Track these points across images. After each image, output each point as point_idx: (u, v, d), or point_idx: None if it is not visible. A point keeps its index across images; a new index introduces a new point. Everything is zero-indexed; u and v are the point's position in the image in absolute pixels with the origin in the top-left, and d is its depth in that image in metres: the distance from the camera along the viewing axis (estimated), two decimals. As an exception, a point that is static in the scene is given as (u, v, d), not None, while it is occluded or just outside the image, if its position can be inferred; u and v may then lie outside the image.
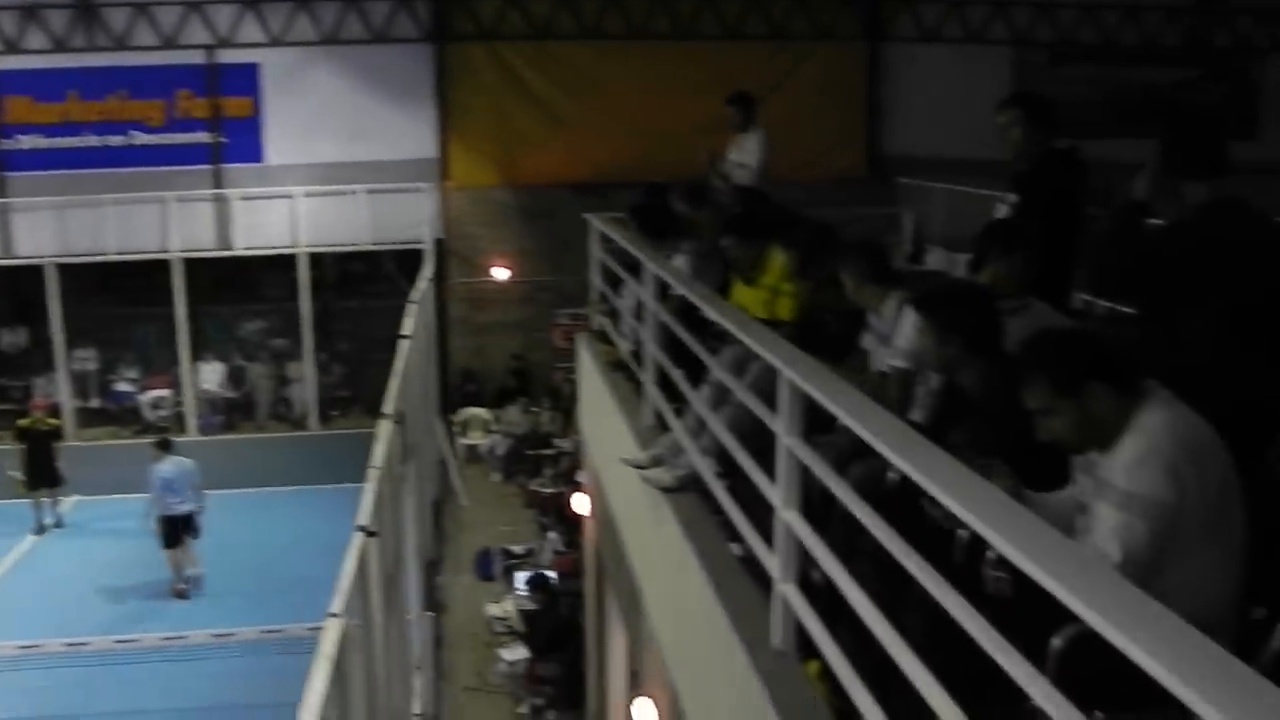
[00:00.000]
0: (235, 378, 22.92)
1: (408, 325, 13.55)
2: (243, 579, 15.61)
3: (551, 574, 13.97)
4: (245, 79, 20.83)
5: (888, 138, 21.11)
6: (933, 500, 3.31)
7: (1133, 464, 3.48)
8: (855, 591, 3.78)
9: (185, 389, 22.30)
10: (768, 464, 4.62)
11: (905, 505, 3.83)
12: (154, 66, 20.55)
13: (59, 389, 22.29)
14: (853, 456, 4.66)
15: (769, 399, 4.62)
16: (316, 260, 21.56)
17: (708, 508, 5.91)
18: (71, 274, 21.71)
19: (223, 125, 21.06)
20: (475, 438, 20.43)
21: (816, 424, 4.59)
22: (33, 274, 21.55)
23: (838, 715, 4.13)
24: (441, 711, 12.38)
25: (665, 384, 6.94)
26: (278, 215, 21.31)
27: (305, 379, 22.30)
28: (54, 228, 21.12)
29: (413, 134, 21.19)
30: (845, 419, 3.88)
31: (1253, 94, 20.66)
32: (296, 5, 20.68)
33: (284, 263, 21.68)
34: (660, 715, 6.97)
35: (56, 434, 18.79)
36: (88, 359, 22.91)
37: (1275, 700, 1.97)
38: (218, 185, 21.26)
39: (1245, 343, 4.37)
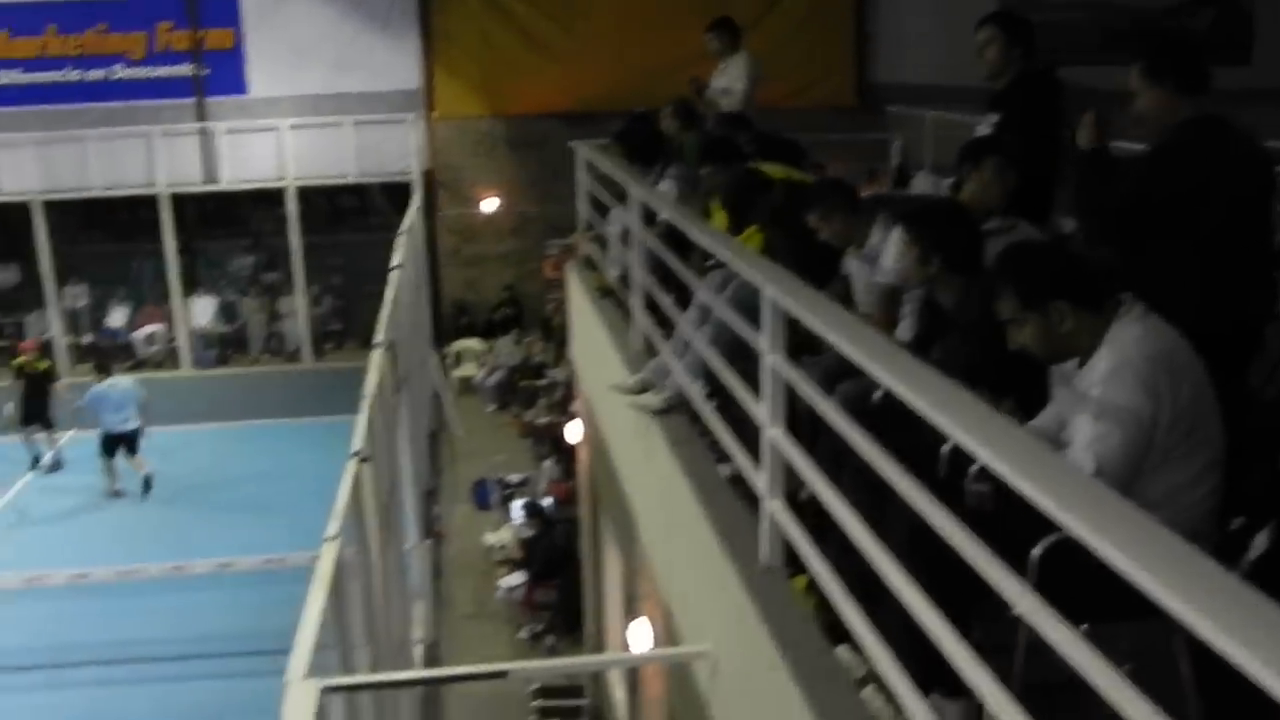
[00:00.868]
0: (227, 312, 22.93)
1: (397, 256, 13.54)
2: (241, 511, 15.74)
3: (547, 501, 14.10)
4: (226, 9, 20.63)
5: (876, 66, 20.92)
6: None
7: (1107, 375, 3.55)
8: (841, 507, 3.83)
9: (178, 324, 22.33)
10: (754, 384, 4.67)
11: (889, 422, 3.87)
12: (133, -2, 20.40)
13: (51, 326, 22.32)
14: (840, 376, 4.72)
15: (754, 319, 4.66)
16: (305, 194, 21.46)
17: (696, 429, 5.97)
18: (59, 210, 21.65)
19: (205, 57, 20.88)
20: (469, 369, 20.48)
21: (805, 346, 4.64)
22: (20, 211, 21.47)
23: (825, 628, 4.22)
24: (441, 638, 12.55)
25: (653, 309, 6.98)
26: (264, 148, 21.16)
27: (297, 313, 22.31)
28: (38, 164, 20.98)
29: (398, 65, 20.99)
30: (826, 333, 3.92)
31: (1245, 19, 20.46)
32: (275, -67, 20.47)
33: (272, 197, 21.60)
34: (656, 635, 7.09)
35: (49, 375, 18.80)
36: (79, 295, 22.92)
37: (1258, 605, 2.01)
38: (201, 118, 21.11)
39: (1227, 263, 4.40)
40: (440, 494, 16.11)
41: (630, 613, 9.43)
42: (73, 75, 20.76)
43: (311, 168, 21.16)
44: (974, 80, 6.69)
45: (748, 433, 4.96)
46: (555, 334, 19.51)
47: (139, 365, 22.07)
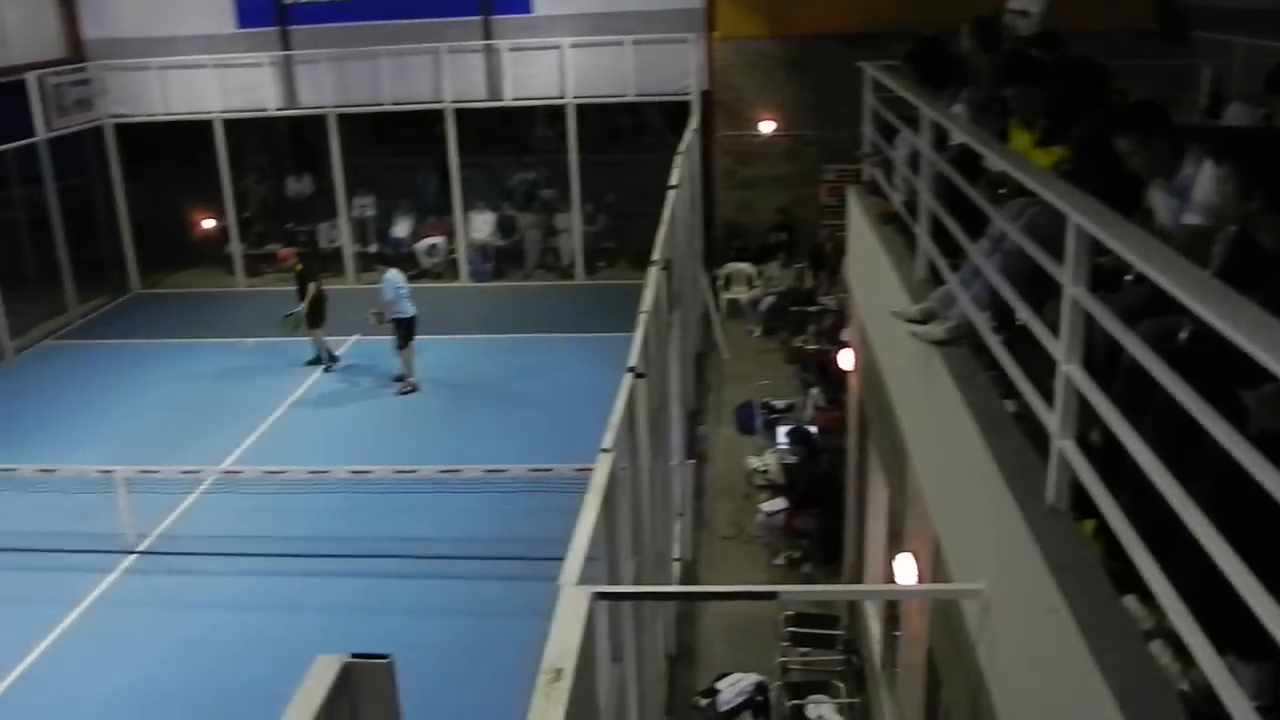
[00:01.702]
0: (505, 227, 23.62)
1: (675, 175, 13.59)
2: (509, 420, 16.26)
3: (813, 429, 14.00)
4: (515, -70, 21.08)
5: (1181, -14, 19.61)
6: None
7: None
8: (1141, 449, 3.61)
9: (458, 237, 23.14)
10: (1044, 318, 4.44)
11: (1195, 364, 3.61)
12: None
13: (340, 234, 23.50)
14: (1140, 314, 4.43)
15: (1051, 249, 4.42)
16: (583, 112, 21.79)
17: (980, 362, 5.76)
18: (351, 124, 22.71)
19: (491, -24, 21.44)
20: (738, 292, 20.48)
21: (1099, 283, 4.37)
22: (315, 124, 22.63)
23: (1112, 576, 4.01)
24: (699, 558, 12.70)
25: (939, 236, 6.74)
26: (545, 66, 21.59)
27: (573, 230, 22.78)
28: (334, 79, 22.06)
29: (680, -17, 21.01)
30: (1143, 266, 3.67)
31: None
32: None
33: (552, 114, 22.03)
34: (921, 571, 6.94)
35: (307, 275, 19.63)
36: (367, 206, 24.04)
37: None
38: (487, 36, 21.67)
39: None
40: (705, 415, 16.23)
41: (894, 547, 9.28)
42: (367, -5, 21.71)
43: (591, 86, 21.46)
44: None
45: (1036, 368, 4.74)
46: (827, 260, 19.27)
47: (420, 275, 23.02)
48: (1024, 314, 4.82)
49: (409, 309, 17.31)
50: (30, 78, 20.92)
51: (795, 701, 10.07)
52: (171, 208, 24.43)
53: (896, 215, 8.42)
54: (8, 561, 12.99)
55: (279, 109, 22.89)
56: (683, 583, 11.91)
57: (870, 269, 9.15)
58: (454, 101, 21.94)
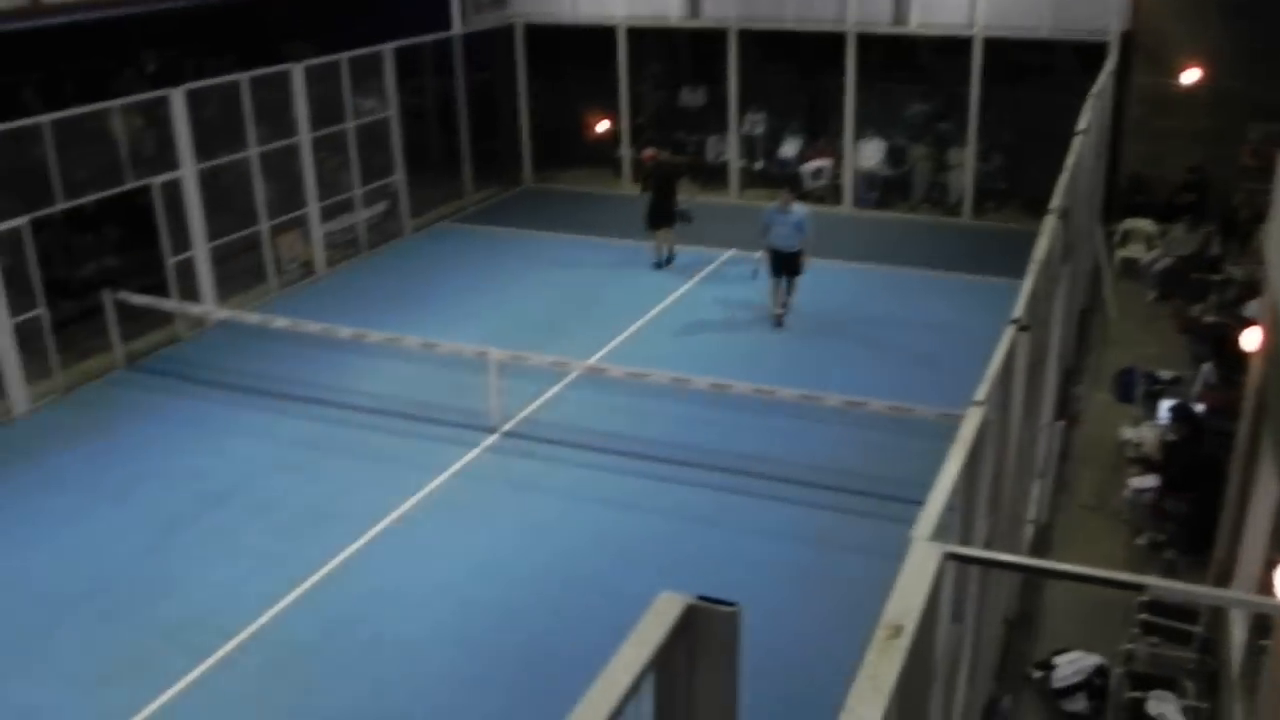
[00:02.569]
0: (895, 157, 23.03)
1: (1083, 120, 12.72)
2: (874, 353, 15.90)
3: (1199, 407, 12.94)
4: None
5: None
6: None
7: None
8: None
9: (845, 162, 22.77)
10: None
11: None
12: None
13: (729, 149, 23.59)
14: None
15: None
16: (990, 45, 20.81)
17: None
18: (750, 40, 22.62)
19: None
20: (1134, 250, 19.16)
21: None
22: (715, 38, 22.67)
23: None
24: (1055, 523, 12.06)
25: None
26: (956, -5, 20.81)
27: (965, 166, 21.95)
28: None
29: (1110, -89, 19.63)
30: None
31: None
32: None
33: (957, 46, 21.16)
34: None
35: (674, 174, 20.00)
36: (757, 122, 24.00)
37: None
38: (899, -38, 21.04)
39: None
40: (1081, 376, 15.34)
41: (1277, 551, 8.45)
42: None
43: (1003, 18, 20.46)
44: None
45: None
46: (1240, 227, 17.75)
47: (803, 197, 22.80)
48: None
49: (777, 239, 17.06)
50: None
51: (1136, 694, 9.42)
52: (568, 109, 25.21)
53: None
54: (385, 424, 13.91)
55: (682, 19, 23.10)
56: (1035, 547, 11.36)
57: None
58: (857, 24, 21.45)
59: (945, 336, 16.30)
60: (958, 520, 5.96)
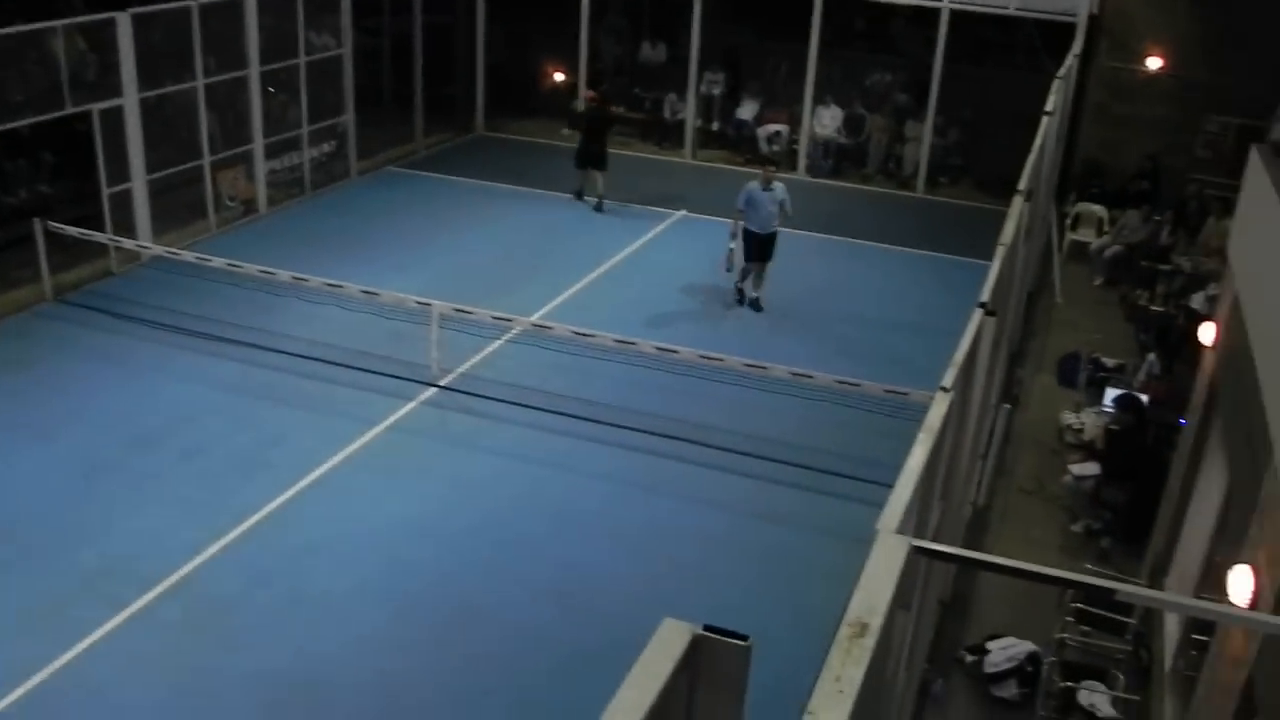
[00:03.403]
0: (852, 126, 22.83)
1: (1051, 101, 12.59)
2: (825, 325, 15.76)
3: (1143, 397, 12.93)
4: None
5: None
6: None
7: None
8: None
9: (802, 128, 22.56)
10: None
11: None
12: None
13: (686, 108, 23.29)
14: None
15: None
16: (956, 19, 20.64)
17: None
18: (712, -1, 22.33)
19: None
20: (1085, 235, 19.15)
21: None
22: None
23: None
24: (993, 506, 12.01)
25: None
26: (925, -35, 20.60)
27: (922, 140, 21.81)
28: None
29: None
30: None
31: None
32: None
33: (923, 16, 20.98)
34: (1258, 591, 6.15)
35: (607, 120, 20.44)
36: (715, 83, 23.71)
37: None
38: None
39: None
40: (1025, 359, 15.30)
41: (1219, 550, 8.40)
42: None
43: (973, -7, 20.32)
44: None
45: None
46: (1190, 219, 17.74)
47: (757, 160, 22.62)
48: None
49: (756, 222, 15.96)
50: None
51: (1068, 684, 9.39)
52: (526, 58, 24.81)
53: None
54: (321, 372, 13.57)
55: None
56: (972, 529, 11.31)
57: (1266, 242, 8.11)
58: (825, -11, 21.23)
59: (895, 310, 16.23)
60: (913, 510, 5.81)
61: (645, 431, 12.63)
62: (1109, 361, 14.63)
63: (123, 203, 16.16)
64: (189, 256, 15.21)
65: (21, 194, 16.58)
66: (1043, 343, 15.90)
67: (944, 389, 5.49)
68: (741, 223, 15.80)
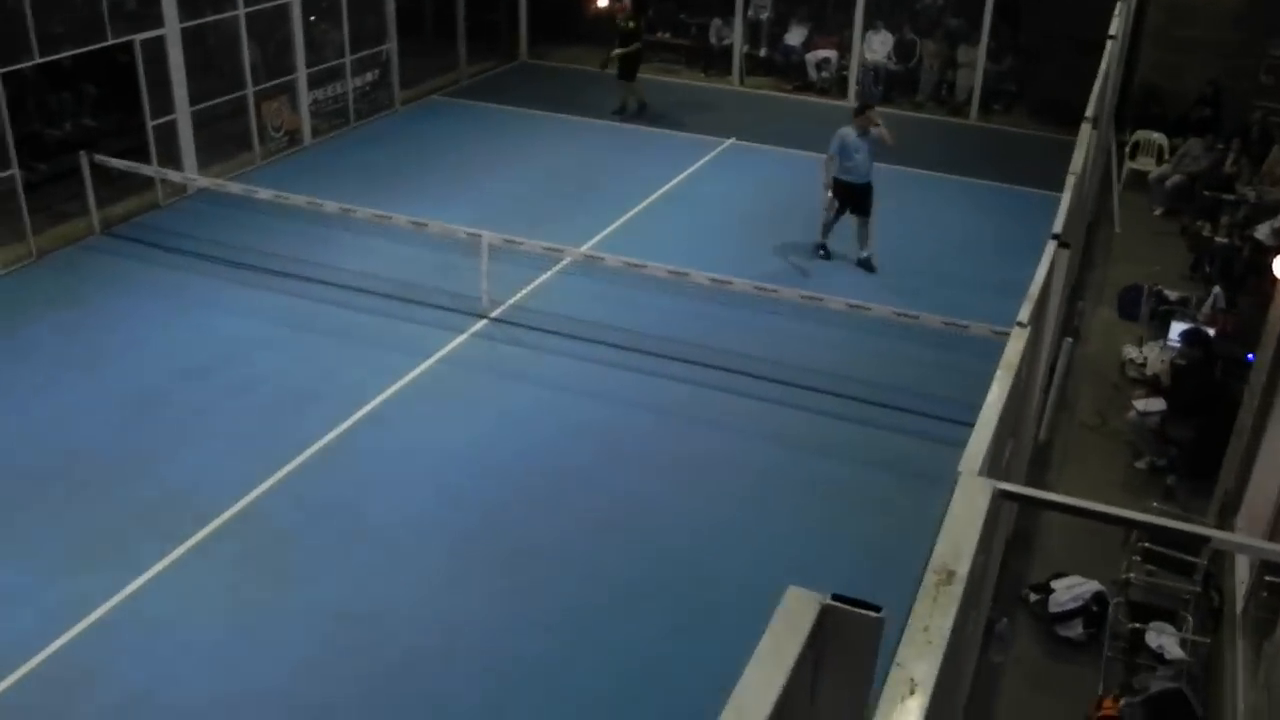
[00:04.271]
0: (903, 51, 22.33)
1: (1114, 25, 12.18)
2: (883, 255, 15.41)
3: (1210, 330, 12.59)
4: None
5: None
6: None
7: None
8: None
9: (852, 54, 22.10)
10: None
11: None
12: None
13: (733, 34, 22.85)
14: None
15: None
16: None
17: None
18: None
19: None
20: (1144, 164, 18.66)
21: None
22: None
23: None
24: (1055, 442, 11.79)
25: None
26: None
27: (974, 65, 21.30)
28: None
29: None
30: None
31: None
32: None
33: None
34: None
35: (635, 35, 20.47)
36: (763, 8, 23.23)
37: None
38: None
39: None
40: (1085, 290, 14.97)
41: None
42: None
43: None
44: None
45: None
46: (1253, 148, 17.24)
47: (805, 88, 22.25)
48: None
49: (845, 170, 14.72)
50: None
51: (1135, 624, 9.21)
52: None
53: None
54: (370, 305, 13.46)
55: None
56: (1032, 465, 11.10)
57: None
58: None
59: (949, 239, 15.90)
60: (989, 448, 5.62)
61: (698, 364, 12.47)
62: (1172, 294, 14.27)
63: (167, 135, 16.02)
64: (235, 188, 15.08)
65: (66, 127, 16.49)
66: (1102, 274, 15.55)
67: (1020, 324, 5.27)
68: (836, 173, 14.66)
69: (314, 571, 9.23)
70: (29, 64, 14.13)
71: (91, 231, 15.03)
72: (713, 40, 23.53)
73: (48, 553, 9.27)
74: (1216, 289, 13.81)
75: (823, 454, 11.13)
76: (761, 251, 15.38)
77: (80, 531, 9.51)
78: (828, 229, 15.08)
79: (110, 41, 15.05)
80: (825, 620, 2.39)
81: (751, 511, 10.20)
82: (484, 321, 13.23)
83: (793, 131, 19.60)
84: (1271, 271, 9.99)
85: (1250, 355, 10.97)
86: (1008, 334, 5.31)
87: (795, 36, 23.09)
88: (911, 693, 2.34)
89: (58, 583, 8.92)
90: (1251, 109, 18.22)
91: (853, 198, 14.71)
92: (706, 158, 18.84)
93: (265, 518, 9.84)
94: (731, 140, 19.44)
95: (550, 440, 11.14)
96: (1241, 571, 9.25)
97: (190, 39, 16.15)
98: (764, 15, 23.31)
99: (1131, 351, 13.15)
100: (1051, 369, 11.71)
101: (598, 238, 15.35)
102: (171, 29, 15.77)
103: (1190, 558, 9.84)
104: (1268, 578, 8.39)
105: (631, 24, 20.10)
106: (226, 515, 9.78)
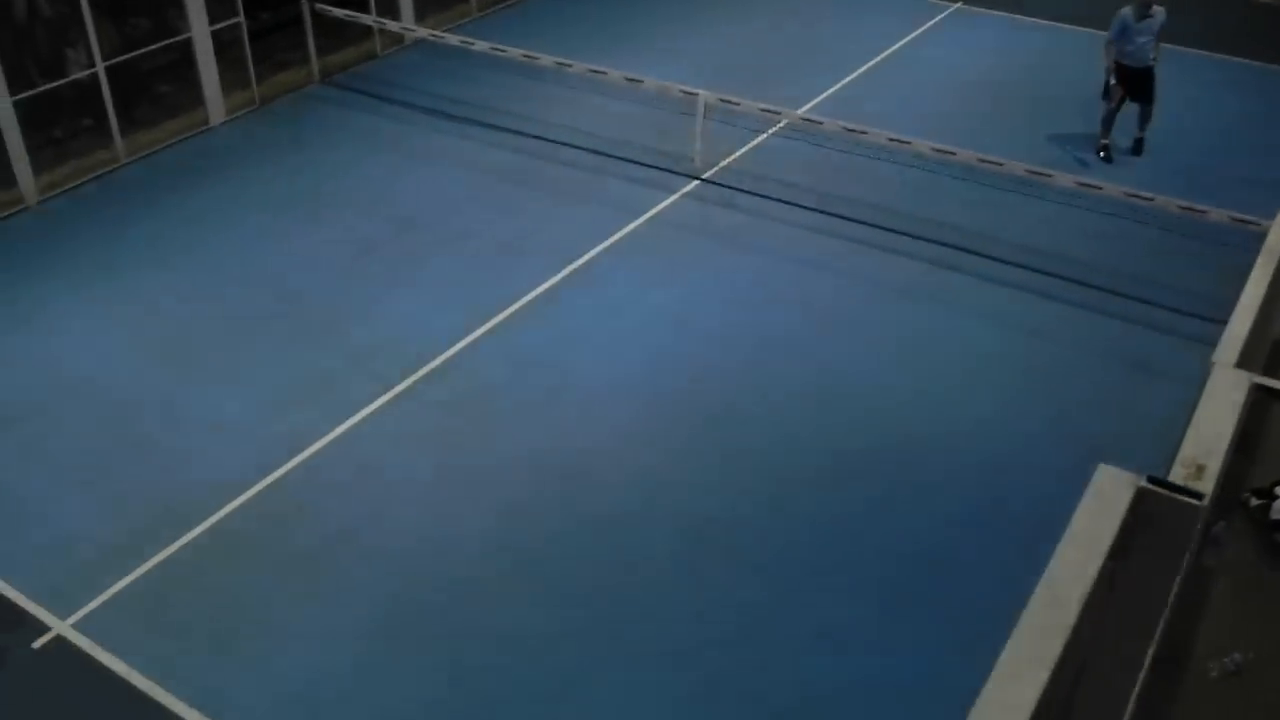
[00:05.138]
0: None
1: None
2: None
3: None
4: None
5: None
6: None
7: None
8: None
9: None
10: None
11: None
12: None
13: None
14: None
15: None
16: None
17: None
18: None
19: None
20: None
21: None
22: None
23: None
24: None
25: None
26: None
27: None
28: None
29: None
30: None
31: None
32: None
33: None
34: None
35: None
36: None
37: None
38: None
39: None
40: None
41: None
42: None
43: None
44: None
45: None
46: None
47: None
48: None
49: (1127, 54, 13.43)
50: None
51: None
52: None
53: None
54: (583, 161, 13.34)
55: None
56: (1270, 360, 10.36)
57: None
58: None
59: (1209, 122, 14.71)
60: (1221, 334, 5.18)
61: (914, 236, 12.00)
62: None
63: (387, -15, 16.09)
64: (452, 39, 15.03)
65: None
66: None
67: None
68: (1116, 55, 13.44)
69: (518, 423, 9.30)
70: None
71: (311, 80, 15.26)
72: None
73: (268, 390, 9.59)
74: None
75: (1036, 335, 10.60)
76: (990, 122, 14.55)
77: (297, 372, 9.80)
78: (1109, 122, 13.84)
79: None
80: (1140, 503, 2.13)
81: (956, 389, 9.82)
82: (696, 182, 12.98)
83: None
84: None
85: None
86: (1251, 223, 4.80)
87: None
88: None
89: (275, 419, 9.23)
90: None
91: (1133, 82, 13.61)
92: (931, 21, 17.81)
93: (472, 368, 9.94)
94: (959, 4, 18.43)
95: (761, 306, 10.92)
96: None
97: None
98: None
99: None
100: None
101: (815, 101, 14.78)
102: (394, -124, 15.70)
103: None
104: None
105: None
106: (435, 363, 9.93)
